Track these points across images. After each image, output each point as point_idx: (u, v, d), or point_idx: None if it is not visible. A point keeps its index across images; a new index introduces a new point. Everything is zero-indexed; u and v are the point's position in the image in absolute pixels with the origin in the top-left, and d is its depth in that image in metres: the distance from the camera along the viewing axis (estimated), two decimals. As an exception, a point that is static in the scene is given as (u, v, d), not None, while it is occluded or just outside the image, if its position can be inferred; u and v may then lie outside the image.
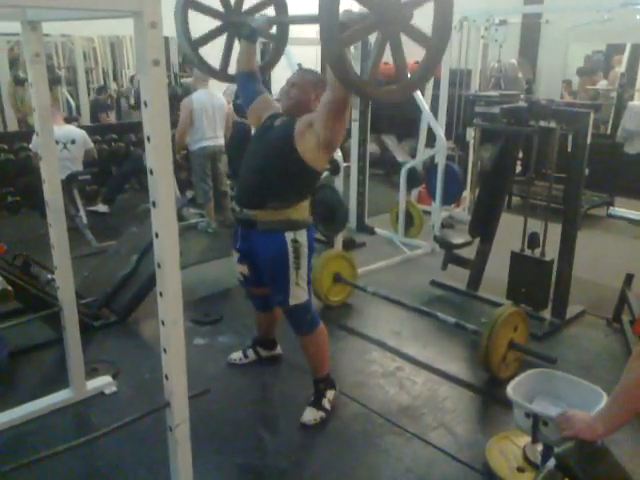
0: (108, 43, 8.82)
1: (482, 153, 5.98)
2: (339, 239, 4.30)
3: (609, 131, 6.94)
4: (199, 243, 5.32)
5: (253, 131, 2.94)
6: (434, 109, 5.32)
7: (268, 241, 2.58)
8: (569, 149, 3.54)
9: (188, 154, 5.68)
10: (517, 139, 3.85)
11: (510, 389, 2.51)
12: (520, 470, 2.38)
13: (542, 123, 3.56)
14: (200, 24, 2.81)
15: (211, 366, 3.20)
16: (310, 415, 2.72)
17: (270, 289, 2.74)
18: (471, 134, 5.92)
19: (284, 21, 2.87)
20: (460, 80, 5.78)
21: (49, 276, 3.33)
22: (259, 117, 2.76)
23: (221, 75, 2.95)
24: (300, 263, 2.58)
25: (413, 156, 5.76)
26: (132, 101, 7.73)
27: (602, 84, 7.74)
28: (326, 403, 2.77)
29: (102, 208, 5.97)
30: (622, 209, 6.06)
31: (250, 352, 3.23)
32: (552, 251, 3.64)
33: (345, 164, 4.74)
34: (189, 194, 6.10)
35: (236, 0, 2.81)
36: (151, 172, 1.74)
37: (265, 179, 2.56)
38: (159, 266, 1.84)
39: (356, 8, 2.19)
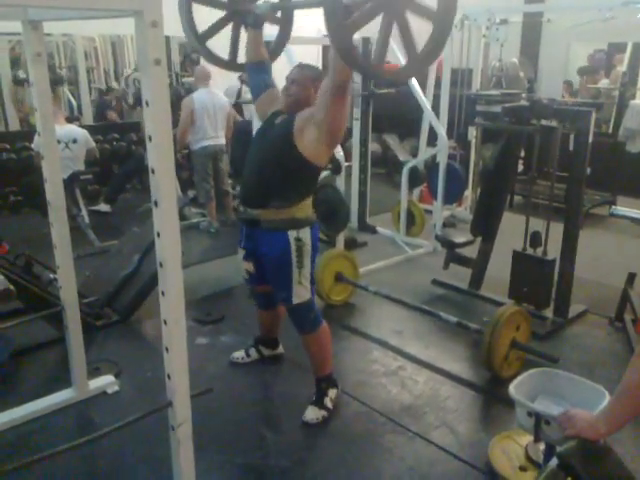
0: (109, 42, 8.83)
1: (484, 152, 5.97)
2: (341, 238, 4.30)
3: (611, 130, 6.93)
4: (201, 242, 5.33)
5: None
6: (436, 108, 5.31)
7: (272, 240, 2.58)
8: (571, 148, 3.54)
9: (189, 153, 5.69)
10: (519, 138, 3.85)
11: (512, 388, 2.51)
12: (522, 469, 2.38)
13: (544, 122, 3.56)
14: (205, 17, 2.82)
15: (213, 365, 3.20)
16: (312, 414, 2.72)
17: (273, 287, 2.74)
18: (473, 133, 5.91)
19: (288, 6, 2.87)
20: (461, 79, 5.77)
21: (51, 276, 3.33)
22: (264, 111, 2.76)
23: (231, 65, 2.95)
24: (303, 262, 2.58)
25: (415, 155, 5.75)
26: (130, 100, 7.71)
27: (604, 83, 7.73)
28: (328, 402, 2.77)
29: (104, 208, 5.97)
30: (624, 208, 6.08)
31: (252, 351, 3.23)
32: (554, 250, 3.64)
33: (347, 163, 4.74)
34: (191, 193, 6.11)
35: None
36: (153, 171, 1.74)
37: (267, 178, 2.57)
38: (161, 265, 1.84)
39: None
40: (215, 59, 2.92)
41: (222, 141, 5.55)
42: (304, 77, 2.58)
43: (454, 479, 2.41)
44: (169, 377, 1.95)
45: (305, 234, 2.58)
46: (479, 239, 4.05)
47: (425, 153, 5.49)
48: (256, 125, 4.22)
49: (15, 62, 7.67)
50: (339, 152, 4.24)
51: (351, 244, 4.91)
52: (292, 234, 2.55)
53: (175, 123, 5.03)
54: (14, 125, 7.10)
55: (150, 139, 1.72)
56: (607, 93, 7.52)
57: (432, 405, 2.86)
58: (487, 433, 2.63)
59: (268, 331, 3.19)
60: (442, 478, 2.41)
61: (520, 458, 2.43)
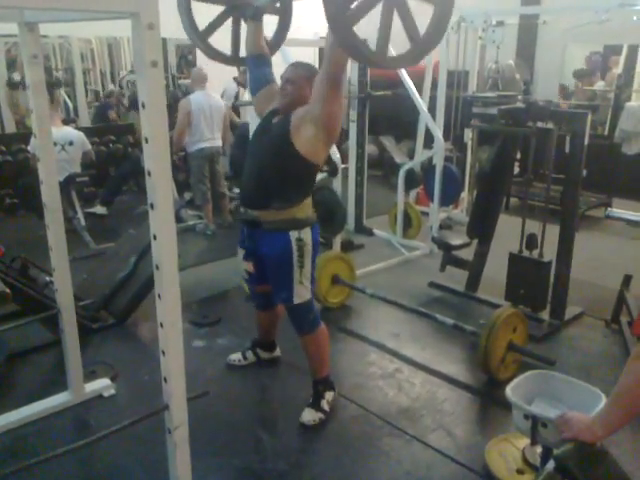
0: (106, 44, 8.82)
1: (480, 154, 5.98)
2: (337, 240, 4.30)
3: (607, 132, 6.95)
4: (197, 245, 5.32)
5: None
6: (432, 110, 5.32)
7: (273, 240, 2.59)
8: (567, 150, 3.55)
9: (186, 155, 5.68)
10: (515, 140, 3.85)
11: (509, 391, 2.51)
12: (519, 472, 2.38)
13: (540, 124, 3.57)
14: (204, 17, 2.82)
15: (210, 368, 3.20)
16: (309, 416, 2.72)
17: (274, 287, 2.74)
18: (469, 135, 5.92)
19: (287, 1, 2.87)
20: (458, 81, 5.78)
21: (47, 278, 3.32)
22: (263, 107, 2.76)
23: (234, 60, 2.97)
24: (304, 261, 2.59)
25: (411, 157, 5.76)
26: (126, 102, 7.71)
27: (599, 85, 7.75)
28: (325, 405, 2.77)
29: (100, 210, 5.96)
30: (620, 210, 6.10)
31: (249, 354, 3.23)
32: (550, 252, 3.64)
33: (343, 165, 4.74)
34: (187, 196, 6.11)
35: None
36: (149, 174, 1.74)
37: (266, 179, 2.57)
38: (157, 268, 1.83)
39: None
40: (218, 55, 2.93)
41: (219, 143, 5.55)
42: (298, 76, 2.58)
43: (451, 482, 2.41)
44: (165, 380, 1.95)
45: (306, 234, 2.59)
46: (476, 241, 4.06)
47: (422, 155, 5.50)
48: (252, 124, 4.23)
49: (11, 64, 7.66)
50: (335, 154, 4.24)
51: (348, 246, 4.91)
52: (294, 234, 2.55)
53: (171, 125, 5.03)
54: (10, 127, 7.09)
55: (146, 141, 1.72)
56: (603, 95, 7.54)
57: (429, 408, 2.86)
58: (484, 436, 2.63)
59: (266, 333, 3.19)
60: (439, 481, 2.41)
61: (517, 461, 2.43)
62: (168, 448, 1.91)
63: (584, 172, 3.61)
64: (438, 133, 4.99)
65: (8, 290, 2.77)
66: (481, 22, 5.57)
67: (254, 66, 2.82)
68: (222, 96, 6.79)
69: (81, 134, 5.46)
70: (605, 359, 3.32)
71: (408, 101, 5.04)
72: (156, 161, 1.73)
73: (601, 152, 5.91)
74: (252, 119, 4.29)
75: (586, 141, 3.45)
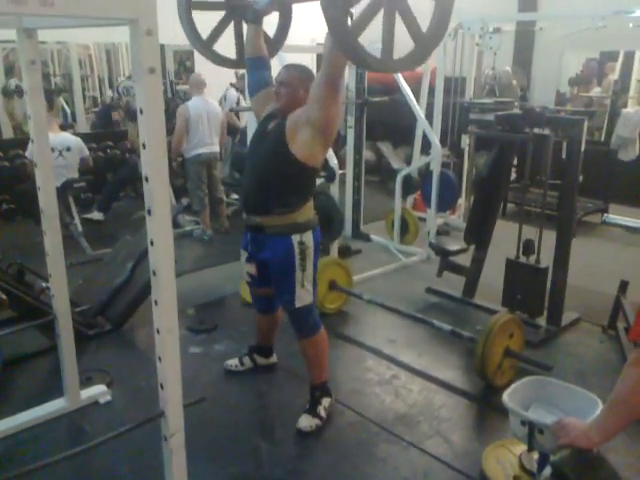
0: (104, 50, 8.84)
1: (477, 160, 6.00)
2: (335, 246, 4.30)
3: (603, 138, 6.97)
4: (194, 250, 5.32)
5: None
6: (429, 116, 5.34)
7: (276, 244, 2.60)
8: (563, 156, 3.56)
9: (184, 161, 5.69)
10: (512, 146, 3.86)
11: (506, 397, 2.50)
12: (516, 478, 2.37)
13: (536, 130, 3.58)
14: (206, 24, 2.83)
15: (206, 374, 3.19)
16: (306, 422, 2.71)
17: (276, 290, 2.74)
18: (466, 141, 5.94)
19: (286, 1, 2.89)
20: (455, 88, 5.80)
21: (43, 284, 3.31)
22: (260, 109, 2.78)
23: (240, 64, 2.98)
24: (306, 264, 2.59)
25: (408, 163, 5.77)
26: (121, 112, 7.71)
27: (596, 91, 7.79)
28: (322, 411, 2.76)
29: (97, 215, 5.95)
30: (617, 216, 6.13)
31: (246, 360, 3.22)
32: (547, 258, 3.65)
33: (341, 171, 4.75)
34: (184, 201, 6.10)
35: None
36: (147, 179, 1.74)
37: (265, 185, 2.58)
38: (154, 274, 1.83)
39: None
40: (224, 61, 2.96)
41: (216, 149, 5.56)
42: (292, 77, 2.59)
43: (448, 489, 2.41)
44: (162, 387, 1.94)
45: (308, 237, 2.59)
46: (473, 247, 4.06)
47: (419, 161, 5.52)
48: (250, 128, 4.24)
49: (9, 70, 7.66)
50: (333, 160, 4.25)
51: (345, 252, 4.90)
52: (296, 238, 2.56)
53: (169, 131, 5.04)
54: (7, 133, 7.09)
55: (144, 147, 1.72)
56: (599, 101, 7.58)
57: (426, 414, 2.85)
58: (481, 442, 2.62)
59: (264, 337, 3.18)
60: (436, 488, 2.40)
61: (514, 467, 2.42)
62: (164, 455, 1.90)
63: (580, 178, 3.62)
64: (435, 139, 5.01)
65: (4, 296, 2.76)
66: (478, 28, 5.59)
67: (254, 68, 2.83)
68: (222, 102, 6.84)
69: (79, 140, 5.45)
70: (602, 365, 3.32)
71: (405, 107, 5.05)
72: (154, 167, 1.73)
73: (598, 158, 5.93)
74: (250, 124, 4.31)
75: (582, 147, 3.46)
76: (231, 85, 6.87)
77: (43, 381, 3.18)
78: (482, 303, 3.96)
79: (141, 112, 1.69)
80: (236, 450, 2.61)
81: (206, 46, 2.82)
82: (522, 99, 7.15)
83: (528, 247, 3.65)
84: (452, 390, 3.07)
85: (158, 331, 1.88)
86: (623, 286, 3.68)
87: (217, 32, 2.82)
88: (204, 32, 2.86)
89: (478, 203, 4.15)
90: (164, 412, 1.94)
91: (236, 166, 5.98)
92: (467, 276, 4.08)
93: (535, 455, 2.34)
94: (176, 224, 5.56)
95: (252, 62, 2.82)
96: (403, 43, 2.16)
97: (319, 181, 4.06)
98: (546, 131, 3.57)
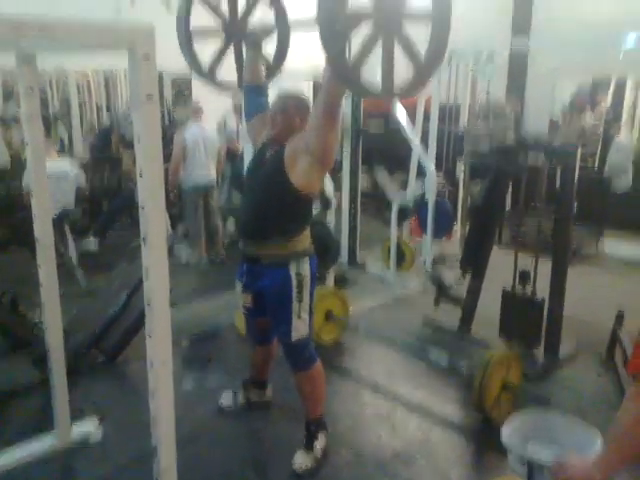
0: (102, 77, 8.89)
1: (472, 188, 6.01)
2: (331, 275, 4.28)
3: (597, 165, 7.02)
4: (189, 280, 5.28)
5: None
6: (424, 143, 5.36)
7: (273, 274, 2.59)
8: (557, 185, 3.58)
9: (180, 189, 5.69)
10: (506, 174, 3.87)
11: (504, 432, 2.47)
12: (516, 518, 2.33)
13: (530, 158, 3.59)
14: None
15: (200, 409, 3.14)
16: (301, 459, 2.66)
17: (273, 321, 2.73)
18: (461, 169, 5.96)
19: (285, 25, 2.92)
20: (449, 115, 5.84)
21: (36, 319, 3.28)
22: (255, 135, 2.80)
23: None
24: (302, 295, 2.58)
25: (404, 189, 5.78)
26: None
27: (588, 119, 7.86)
28: (317, 447, 2.71)
29: (92, 244, 5.92)
30: (612, 244, 6.13)
31: (240, 397, 3.16)
32: (543, 286, 3.63)
33: (336, 196, 4.76)
34: (180, 229, 6.09)
35: (243, 11, 2.87)
36: (143, 208, 1.73)
37: (263, 214, 2.58)
38: (149, 304, 1.81)
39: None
40: (227, 87, 3.00)
41: (213, 176, 5.57)
42: (288, 106, 2.60)
43: (446, 529, 2.36)
44: (154, 422, 1.91)
45: (305, 267, 2.59)
46: (469, 276, 4.05)
47: (414, 188, 5.52)
48: (247, 155, 4.26)
49: (8, 95, 7.69)
50: (328, 187, 4.26)
51: (341, 281, 4.89)
52: (293, 268, 2.56)
53: (166, 158, 5.05)
54: (5, 161, 7.08)
55: (141, 175, 1.71)
56: (592, 129, 7.64)
57: (423, 451, 2.81)
58: (480, 479, 2.58)
59: (259, 370, 3.14)
60: (434, 528, 2.35)
61: (513, 506, 2.38)
62: (156, 495, 1.86)
63: (575, 206, 3.63)
64: (430, 166, 5.02)
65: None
66: (472, 57, 5.65)
67: (252, 94, 2.86)
68: (219, 129, 6.87)
69: (76, 168, 5.45)
70: (600, 398, 3.29)
71: (400, 134, 5.08)
72: (150, 195, 1.72)
73: (592, 186, 5.96)
74: (247, 150, 4.33)
75: (576, 175, 3.47)
76: (229, 112, 6.92)
77: (33, 415, 3.12)
78: (479, 334, 3.93)
79: (138, 139, 1.69)
80: (230, 488, 2.56)
81: (209, 76, 2.85)
82: (516, 127, 7.19)
83: (524, 278, 3.64)
84: (449, 425, 3.03)
85: (152, 364, 1.85)
86: (619, 317, 3.67)
87: (218, 59, 2.87)
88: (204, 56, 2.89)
89: (474, 230, 4.16)
90: (157, 448, 1.91)
91: (235, 185, 6.00)
92: (464, 307, 4.06)
93: (534, 494, 2.30)
94: (171, 253, 5.53)
95: (250, 88, 2.86)
96: (396, 68, 2.17)
97: (315, 211, 4.07)
98: (540, 159, 3.59)
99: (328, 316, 3.86)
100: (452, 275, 4.11)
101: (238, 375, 3.30)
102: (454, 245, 5.98)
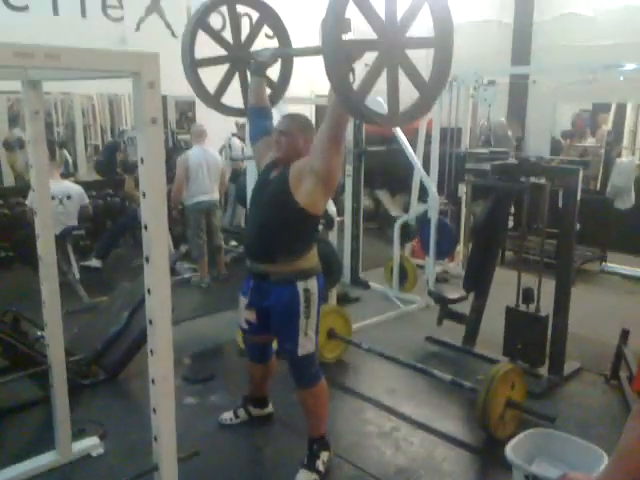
0: (107, 100, 9.01)
1: (474, 208, 6.05)
2: (333, 294, 4.28)
3: (599, 187, 7.05)
4: (192, 298, 5.28)
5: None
6: (426, 165, 5.41)
7: (281, 291, 2.59)
8: (560, 205, 3.59)
9: (183, 209, 5.73)
10: (508, 195, 3.90)
11: (509, 450, 2.45)
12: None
13: (532, 179, 3.62)
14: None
15: (201, 426, 3.11)
16: (303, 477, 2.63)
17: (279, 338, 2.71)
18: (463, 189, 6.00)
19: (288, 53, 2.97)
20: (451, 137, 5.90)
21: (39, 333, 3.28)
22: (261, 157, 2.82)
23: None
24: (310, 312, 2.58)
25: (406, 211, 5.81)
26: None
27: (590, 141, 7.93)
28: (320, 465, 2.68)
29: (95, 263, 5.94)
30: (615, 264, 6.14)
31: (241, 411, 3.15)
32: (547, 305, 3.62)
33: (339, 218, 4.78)
34: (183, 248, 6.10)
35: (247, 36, 2.92)
36: (146, 228, 1.75)
37: (269, 234, 2.59)
38: (150, 322, 1.82)
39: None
40: (232, 112, 3.04)
41: (216, 197, 5.62)
42: (292, 127, 2.63)
43: None
44: (156, 439, 1.90)
45: (312, 284, 2.59)
46: (472, 295, 4.04)
47: (416, 209, 5.56)
48: (250, 176, 4.31)
49: (13, 119, 7.79)
50: (331, 207, 4.28)
51: (344, 299, 4.89)
52: (301, 285, 2.56)
53: (169, 179, 5.10)
54: (8, 181, 7.15)
55: (144, 196, 1.74)
56: (594, 151, 7.70)
57: (427, 468, 2.77)
58: (484, 497, 2.55)
59: (258, 387, 3.12)
60: None
61: (519, 524, 2.35)
62: (156, 512, 1.84)
63: (577, 226, 3.64)
64: (432, 187, 5.06)
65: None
66: (472, 81, 5.73)
67: (256, 117, 2.89)
68: (224, 150, 6.96)
69: (79, 188, 5.51)
70: (605, 415, 3.26)
71: (402, 156, 5.12)
72: (153, 215, 1.75)
73: (594, 207, 5.98)
74: (250, 171, 4.38)
75: (579, 196, 3.49)
76: (233, 135, 7.01)
77: (35, 433, 3.10)
78: (483, 352, 3.91)
79: (142, 161, 1.72)
80: (231, 506, 2.52)
81: (215, 100, 2.89)
82: (517, 149, 7.27)
83: (528, 295, 3.64)
84: (453, 442, 3.00)
85: (153, 381, 1.86)
86: (624, 335, 3.64)
87: (223, 85, 2.90)
88: (208, 80, 2.93)
89: (476, 251, 4.16)
90: (158, 466, 1.89)
91: (240, 199, 6.06)
92: (467, 324, 4.05)
93: (541, 512, 2.27)
94: (174, 271, 5.54)
95: (254, 111, 2.89)
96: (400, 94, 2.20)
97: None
98: (542, 180, 3.62)
99: (330, 334, 3.84)
100: (455, 292, 4.11)
101: (240, 393, 3.28)
102: (457, 266, 6.00)
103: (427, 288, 4.81)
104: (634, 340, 3.65)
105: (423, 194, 5.34)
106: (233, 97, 2.99)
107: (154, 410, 1.87)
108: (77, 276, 5.26)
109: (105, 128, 9.00)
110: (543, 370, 3.63)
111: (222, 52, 2.93)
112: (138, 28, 7.09)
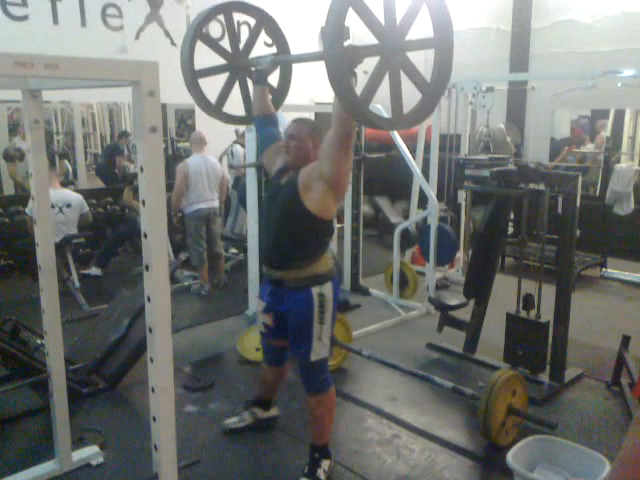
0: (107, 109, 9.05)
1: (474, 215, 6.05)
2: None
3: (598, 193, 7.06)
4: (192, 306, 5.28)
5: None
6: (425, 172, 5.42)
7: (296, 296, 2.59)
8: (559, 211, 3.59)
9: (183, 216, 5.73)
10: (508, 201, 3.90)
11: (510, 457, 2.44)
12: None
13: (532, 185, 3.63)
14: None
15: (202, 434, 3.10)
16: (304, 486, 2.62)
17: (292, 342, 2.71)
18: (463, 196, 6.00)
19: (288, 59, 2.98)
20: (450, 144, 5.91)
21: (38, 342, 3.27)
22: (270, 164, 2.83)
23: (250, 120, 3.08)
24: (324, 318, 2.58)
25: (406, 217, 5.82)
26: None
27: (589, 147, 7.95)
28: (321, 474, 2.67)
29: (95, 271, 5.94)
30: (615, 270, 6.15)
31: (246, 414, 3.14)
32: (547, 311, 3.62)
33: (339, 225, 4.79)
34: (183, 256, 6.11)
35: (245, 45, 2.94)
36: (145, 236, 1.75)
37: (283, 240, 2.60)
38: (150, 331, 1.81)
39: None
40: (234, 120, 3.06)
41: (215, 204, 5.62)
42: (301, 132, 2.63)
43: None
44: (156, 448, 1.89)
45: (327, 289, 2.59)
46: (472, 301, 4.04)
47: (416, 215, 5.56)
48: (250, 183, 4.32)
49: (13, 128, 7.82)
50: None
51: (344, 306, 4.87)
52: (315, 290, 2.56)
53: (169, 187, 5.11)
54: (8, 190, 7.17)
55: (144, 204, 1.74)
56: (593, 157, 7.71)
57: (428, 475, 2.76)
58: (486, 505, 2.54)
59: (268, 390, 3.12)
60: None
61: (521, 532, 2.33)
62: (156, 521, 1.83)
63: (577, 232, 3.64)
64: (432, 194, 5.07)
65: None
66: (471, 88, 5.75)
67: (262, 125, 2.91)
68: (226, 157, 6.99)
69: (79, 196, 5.51)
70: (607, 422, 3.25)
71: (402, 163, 5.14)
72: (153, 223, 1.75)
73: (593, 212, 5.98)
74: (250, 178, 4.40)
75: (578, 202, 3.50)
76: (235, 142, 7.04)
77: (34, 442, 3.08)
78: (484, 359, 3.91)
79: (141, 170, 1.72)
80: (232, 515, 2.51)
81: (216, 110, 2.89)
82: (516, 155, 7.28)
83: (528, 302, 3.63)
84: (455, 450, 2.98)
85: (153, 390, 1.85)
86: (625, 341, 3.64)
87: (224, 94, 2.91)
88: (208, 86, 2.94)
89: (476, 257, 4.16)
90: (157, 475, 1.88)
91: (244, 203, 6.09)
92: (468, 331, 4.04)
93: (543, 519, 2.26)
94: (174, 279, 5.54)
95: (260, 120, 2.91)
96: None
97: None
98: (541, 186, 3.62)
99: (331, 341, 3.83)
100: (456, 299, 4.10)
101: (240, 401, 3.27)
102: (457, 272, 6.00)
103: (427, 295, 4.80)
104: (635, 346, 3.65)
105: (423, 201, 5.35)
106: (234, 105, 3.00)
107: (154, 418, 1.86)
108: (77, 284, 5.26)
109: (105, 136, 9.04)
110: (544, 377, 3.62)
111: (221, 61, 2.94)
112: (138, 37, 7.11)
